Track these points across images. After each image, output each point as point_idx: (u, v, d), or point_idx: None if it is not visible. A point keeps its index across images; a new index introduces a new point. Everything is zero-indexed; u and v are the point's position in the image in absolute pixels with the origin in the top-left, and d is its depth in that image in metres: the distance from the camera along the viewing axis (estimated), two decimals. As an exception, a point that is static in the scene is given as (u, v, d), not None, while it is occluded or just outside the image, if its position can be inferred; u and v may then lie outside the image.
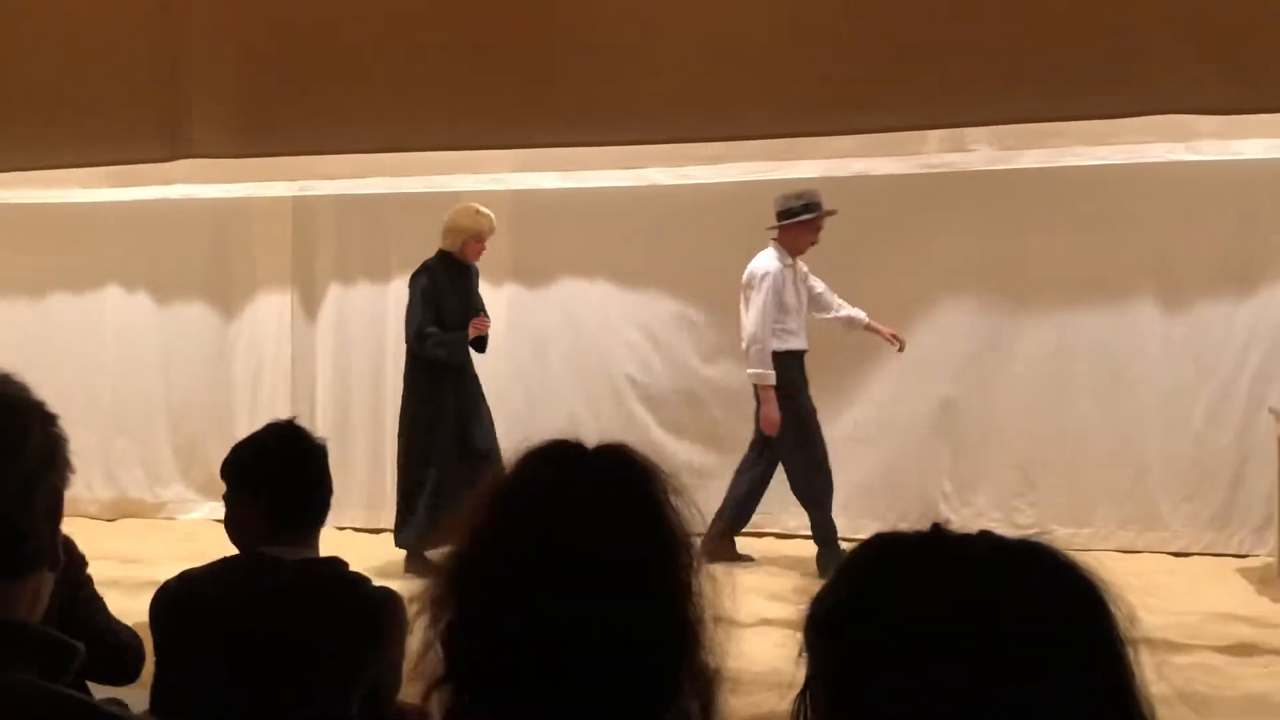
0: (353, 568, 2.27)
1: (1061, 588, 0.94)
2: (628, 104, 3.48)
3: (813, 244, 5.50)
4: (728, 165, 5.75)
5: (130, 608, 2.60)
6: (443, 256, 5.67)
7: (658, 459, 1.17)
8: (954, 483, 6.11)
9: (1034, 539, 0.98)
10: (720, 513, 5.34)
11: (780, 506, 5.73)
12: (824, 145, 4.88)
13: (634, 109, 3.46)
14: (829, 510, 5.39)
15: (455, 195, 6.42)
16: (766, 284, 5.38)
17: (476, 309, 5.73)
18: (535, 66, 3.52)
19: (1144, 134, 4.93)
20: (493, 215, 5.68)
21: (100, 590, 2.54)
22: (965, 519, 6.03)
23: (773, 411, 5.32)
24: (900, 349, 5.68)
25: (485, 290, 6.12)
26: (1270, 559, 5.58)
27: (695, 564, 1.10)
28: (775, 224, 5.48)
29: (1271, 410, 5.47)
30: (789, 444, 5.38)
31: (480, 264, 5.86)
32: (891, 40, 3.29)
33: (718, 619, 1.11)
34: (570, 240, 6.50)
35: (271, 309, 6.96)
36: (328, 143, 3.81)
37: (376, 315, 6.77)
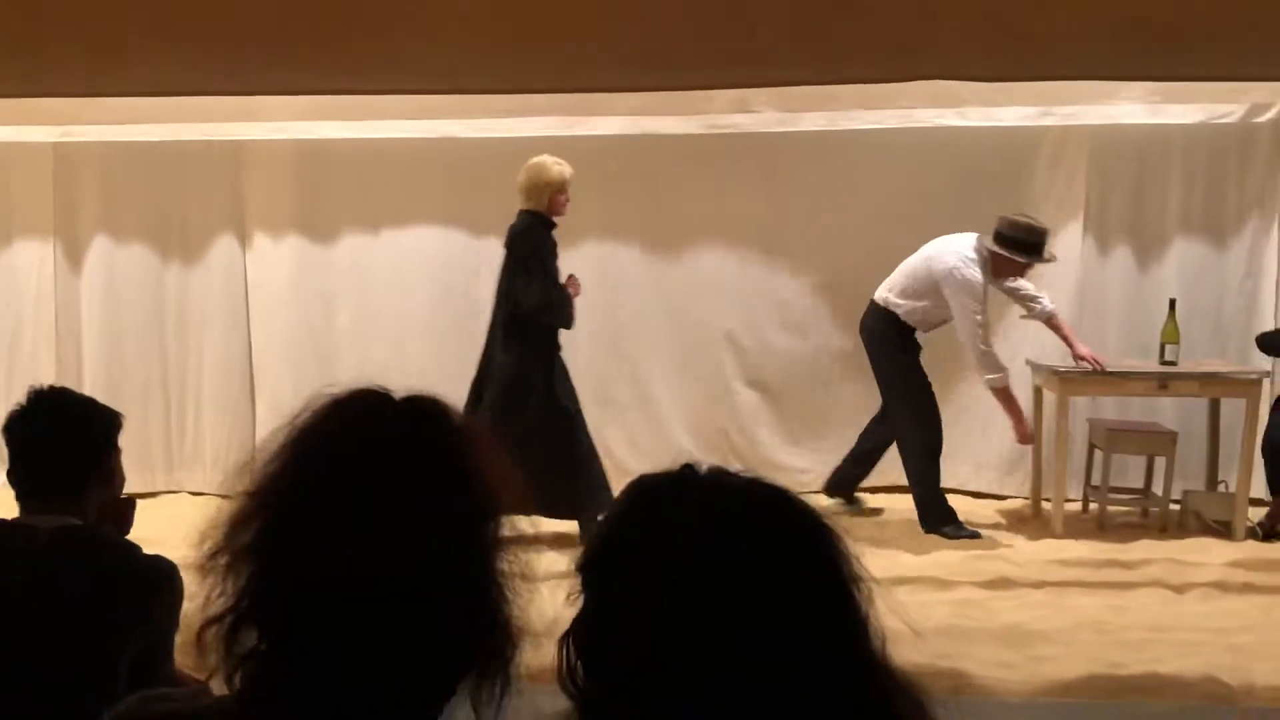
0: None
1: (788, 526, 1.00)
2: (417, 54, 3.41)
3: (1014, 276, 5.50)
4: (522, 119, 5.72)
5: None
6: (532, 216, 5.27)
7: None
8: (742, 434, 6.31)
9: (765, 480, 1.04)
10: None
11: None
12: (617, 103, 4.94)
13: (423, 59, 3.39)
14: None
15: (236, 144, 6.16)
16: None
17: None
18: (322, 8, 3.40)
19: (918, 99, 5.20)
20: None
21: None
22: (752, 465, 6.26)
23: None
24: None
25: (266, 244, 5.91)
26: (1025, 500, 6.03)
27: (503, 519, 1.09)
28: (1000, 245, 5.39)
29: (1028, 362, 5.89)
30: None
31: (261, 216, 5.64)
32: (679, 1, 3.34)
33: (524, 575, 1.10)
34: (358, 193, 6.32)
35: (31, 262, 6.49)
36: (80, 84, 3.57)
37: (153, 274, 6.41)
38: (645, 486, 1.04)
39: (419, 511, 1.04)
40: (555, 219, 5.24)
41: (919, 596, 4.68)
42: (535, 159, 5.34)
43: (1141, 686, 3.78)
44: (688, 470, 1.04)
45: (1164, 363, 5.59)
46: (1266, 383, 5.59)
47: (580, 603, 1.00)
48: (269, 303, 6.35)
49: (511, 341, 5.17)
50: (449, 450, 1.08)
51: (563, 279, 5.24)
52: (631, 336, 6.27)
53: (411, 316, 6.36)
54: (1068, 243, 6.04)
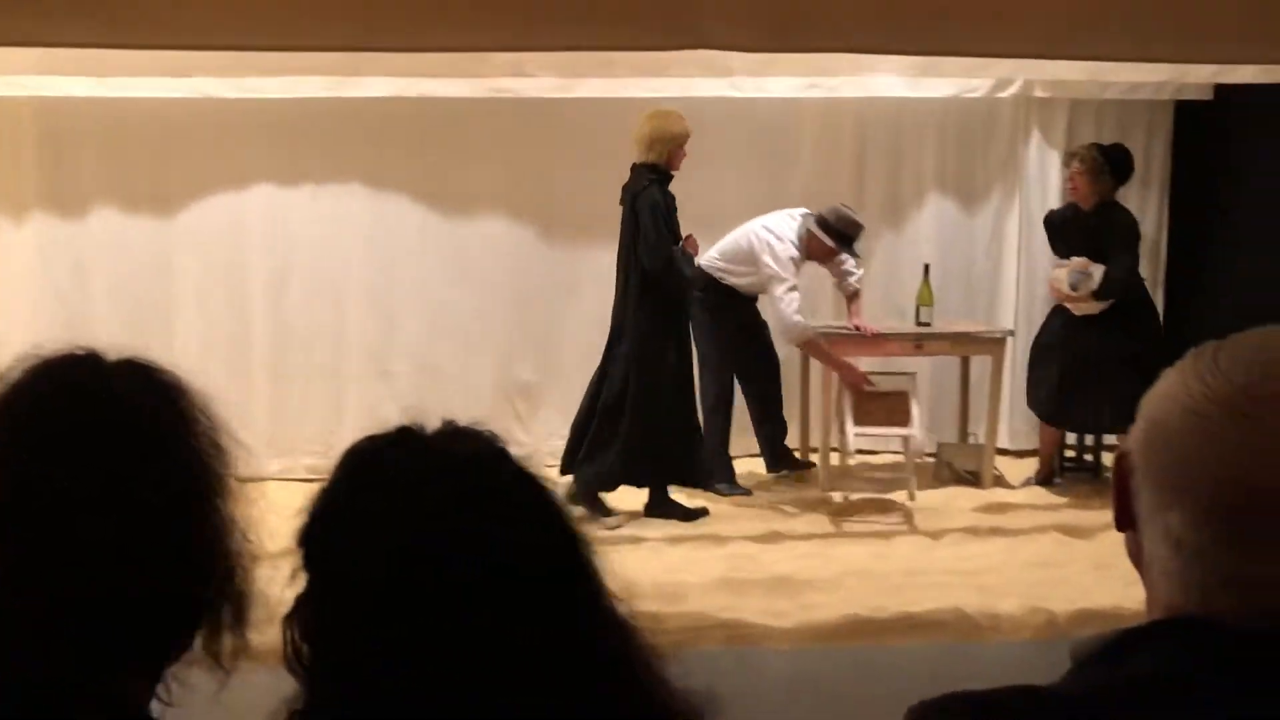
0: None
1: (504, 489, 1.00)
2: (172, 4, 3.22)
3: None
4: (290, 79, 5.48)
5: None
6: (648, 170, 5.10)
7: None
8: (527, 402, 6.31)
9: (494, 441, 1.04)
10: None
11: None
12: (390, 63, 4.81)
13: (179, 11, 3.20)
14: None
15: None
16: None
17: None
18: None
19: (691, 69, 5.30)
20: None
21: None
22: (537, 439, 6.28)
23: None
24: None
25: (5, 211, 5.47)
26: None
27: (225, 485, 1.08)
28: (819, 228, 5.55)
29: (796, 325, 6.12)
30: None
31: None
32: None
33: (246, 539, 1.09)
34: (108, 160, 5.89)
35: None
36: None
37: None
38: (358, 451, 1.02)
39: (135, 478, 1.02)
40: (672, 172, 5.17)
41: (697, 553, 4.85)
42: (659, 110, 5.25)
43: (899, 628, 4.05)
44: (404, 433, 1.01)
45: (919, 324, 5.94)
46: (1010, 340, 6.01)
47: (301, 579, 0.98)
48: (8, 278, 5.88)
49: (645, 299, 5.13)
50: (159, 415, 1.06)
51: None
52: (410, 304, 6.16)
53: (180, 297, 6.04)
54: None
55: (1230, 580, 0.83)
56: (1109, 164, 5.42)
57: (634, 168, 5.18)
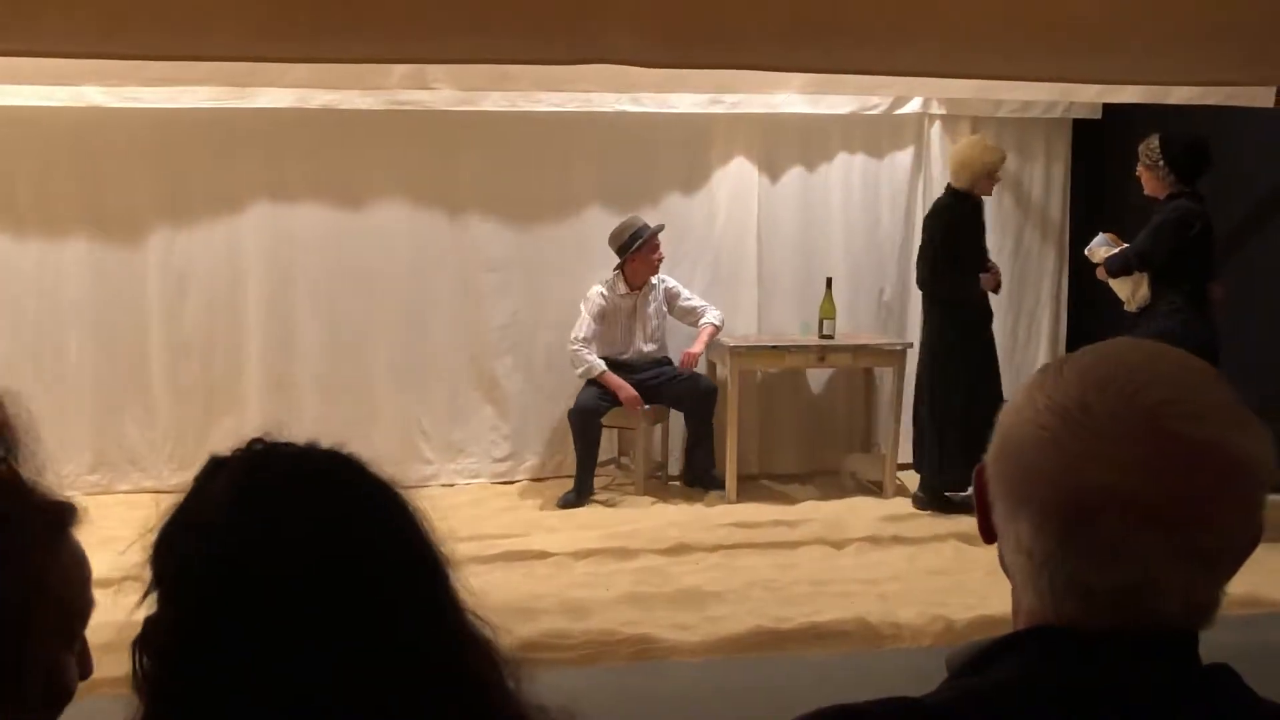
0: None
1: (340, 498, 0.98)
2: (56, 11, 3.12)
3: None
4: (181, 89, 5.36)
5: None
6: (955, 194, 5.64)
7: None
8: (432, 420, 6.24)
9: (342, 450, 1.03)
10: None
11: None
12: (285, 74, 4.73)
13: (62, 18, 3.10)
14: None
15: None
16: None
17: (984, 250, 5.75)
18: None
19: (594, 84, 5.31)
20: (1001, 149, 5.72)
21: None
22: (447, 457, 6.22)
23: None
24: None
25: None
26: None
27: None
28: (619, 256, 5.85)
29: (707, 343, 6.16)
30: None
31: None
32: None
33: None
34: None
35: None
36: None
37: None
38: (207, 465, 1.01)
39: None
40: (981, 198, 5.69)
41: (604, 567, 4.83)
42: (973, 137, 5.80)
43: (804, 638, 4.08)
44: (253, 447, 1.00)
45: (822, 336, 6.02)
46: (910, 352, 6.13)
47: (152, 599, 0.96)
48: None
49: (931, 308, 5.71)
50: None
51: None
52: (308, 314, 6.05)
53: (70, 314, 5.85)
54: (744, 228, 6.39)
55: (1074, 586, 0.85)
56: (1164, 157, 5.17)
57: (946, 187, 5.77)
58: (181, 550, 0.95)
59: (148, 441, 5.92)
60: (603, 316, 5.89)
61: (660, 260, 5.92)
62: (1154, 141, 5.22)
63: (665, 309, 6.03)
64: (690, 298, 6.06)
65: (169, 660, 0.93)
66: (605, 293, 5.90)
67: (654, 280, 5.95)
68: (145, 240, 5.87)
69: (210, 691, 0.91)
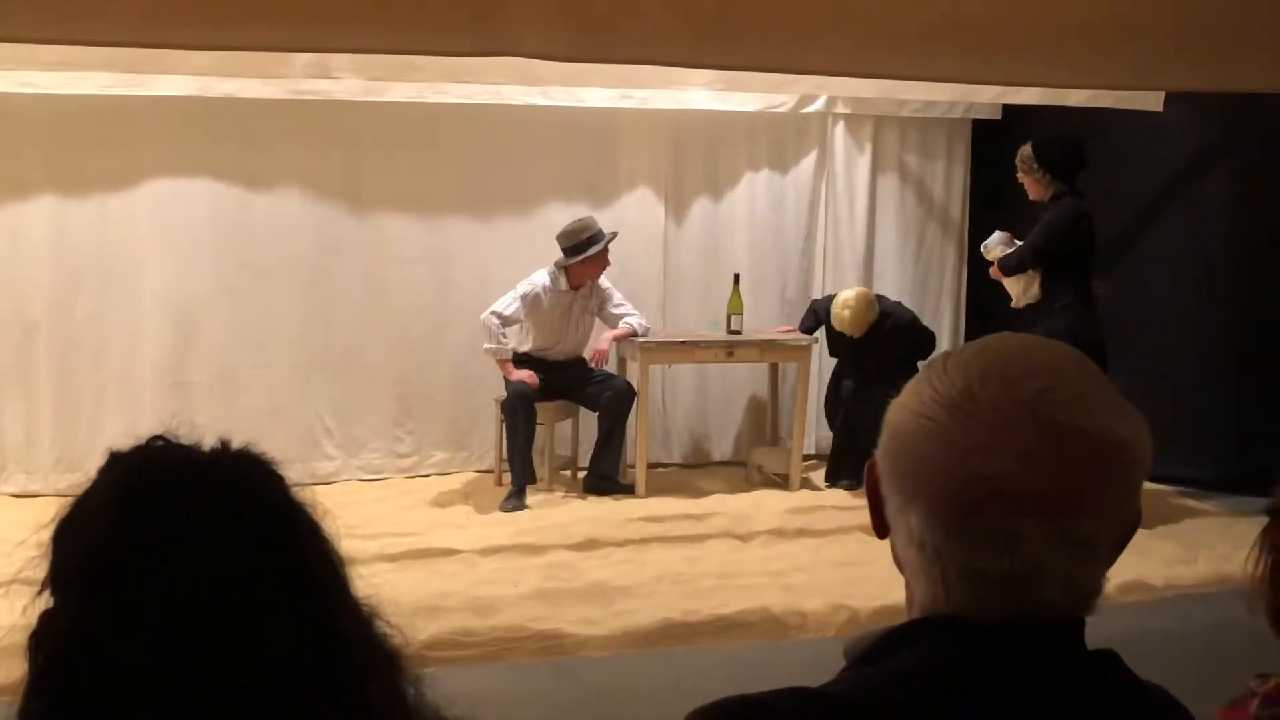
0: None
1: (233, 498, 0.97)
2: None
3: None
4: (77, 75, 5.19)
5: None
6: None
7: None
8: (334, 416, 6.14)
9: (249, 450, 1.01)
10: None
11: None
12: (185, 61, 4.61)
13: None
14: None
15: None
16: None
17: None
18: None
19: (502, 77, 5.28)
20: None
21: None
22: (350, 453, 6.12)
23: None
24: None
25: None
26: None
27: None
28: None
29: (615, 339, 6.16)
30: None
31: None
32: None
33: None
34: None
35: None
36: None
37: None
38: (105, 460, 0.99)
39: None
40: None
41: (512, 563, 4.81)
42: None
43: (711, 630, 4.11)
44: (151, 442, 0.99)
45: (730, 332, 6.07)
46: (815, 348, 6.21)
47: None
48: None
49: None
50: None
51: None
52: (207, 308, 5.90)
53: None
54: (651, 224, 6.40)
55: (965, 576, 0.87)
56: (1038, 161, 5.32)
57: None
58: (71, 543, 0.94)
59: (34, 442, 5.71)
60: (536, 307, 5.81)
61: (607, 267, 5.87)
62: (1027, 149, 5.39)
63: (596, 310, 6.00)
64: (622, 303, 5.99)
65: (59, 654, 0.91)
66: (548, 285, 5.79)
67: (591, 282, 5.91)
68: (36, 231, 5.68)
69: (98, 687, 0.89)
